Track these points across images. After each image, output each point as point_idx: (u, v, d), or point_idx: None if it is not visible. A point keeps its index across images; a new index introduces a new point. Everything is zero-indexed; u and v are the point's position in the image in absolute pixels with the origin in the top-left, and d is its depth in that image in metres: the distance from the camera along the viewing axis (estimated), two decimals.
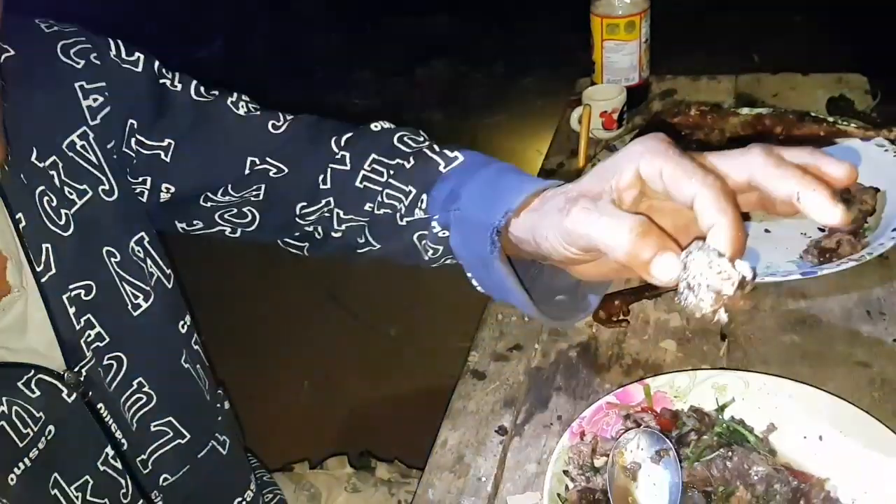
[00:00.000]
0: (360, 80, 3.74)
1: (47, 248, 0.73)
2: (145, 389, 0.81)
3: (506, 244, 0.65)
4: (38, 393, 0.71)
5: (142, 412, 0.82)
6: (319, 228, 0.85)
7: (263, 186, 0.83)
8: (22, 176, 0.72)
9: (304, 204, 0.83)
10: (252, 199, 0.83)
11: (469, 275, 0.72)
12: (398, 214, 0.79)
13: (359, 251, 0.85)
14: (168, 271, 0.84)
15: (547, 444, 0.82)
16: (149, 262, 0.82)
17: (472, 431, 0.86)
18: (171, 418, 0.84)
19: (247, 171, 0.81)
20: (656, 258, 0.48)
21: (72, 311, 0.75)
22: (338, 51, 3.94)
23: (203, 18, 4.03)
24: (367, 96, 3.65)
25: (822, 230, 1.05)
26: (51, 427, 0.72)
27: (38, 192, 0.73)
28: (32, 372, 0.71)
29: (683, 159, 0.51)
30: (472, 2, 4.23)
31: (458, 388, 0.92)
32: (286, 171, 0.83)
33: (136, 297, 0.80)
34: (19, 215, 0.72)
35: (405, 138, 0.82)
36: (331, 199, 0.83)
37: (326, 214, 0.84)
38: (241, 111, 0.83)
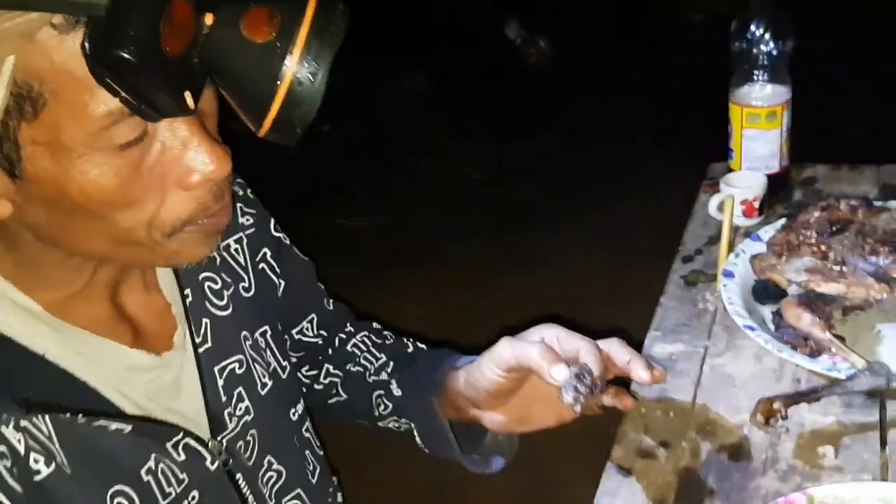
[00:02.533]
0: (470, 150, 3.79)
1: (207, 323, 0.82)
2: (275, 466, 0.87)
3: (445, 404, 0.93)
4: (183, 456, 0.75)
5: (276, 487, 0.87)
6: (308, 383, 1.05)
7: (304, 352, 1.03)
8: None
9: (309, 367, 1.05)
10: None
11: (413, 428, 0.98)
12: (367, 373, 1.02)
13: (329, 402, 1.05)
14: (284, 363, 0.93)
15: None
16: (268, 353, 0.90)
17: None
18: (299, 490, 0.90)
19: (304, 328, 1.02)
20: (554, 366, 0.79)
21: (220, 383, 0.82)
22: (447, 122, 4.02)
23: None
24: (477, 167, 3.69)
25: None
26: (194, 493, 0.76)
27: (202, 275, 0.83)
28: (182, 435, 0.75)
29: (573, 332, 0.86)
30: (577, 72, 4.27)
31: (603, 483, 0.90)
32: (320, 340, 1.04)
33: (264, 377, 0.88)
34: (187, 291, 0.82)
35: (390, 334, 1.09)
36: (328, 358, 1.05)
37: (316, 371, 1.05)
38: (319, 284, 1.05)
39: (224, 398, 0.82)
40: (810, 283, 1.02)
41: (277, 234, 0.97)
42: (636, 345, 0.94)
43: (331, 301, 1.06)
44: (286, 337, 1.00)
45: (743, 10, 1.28)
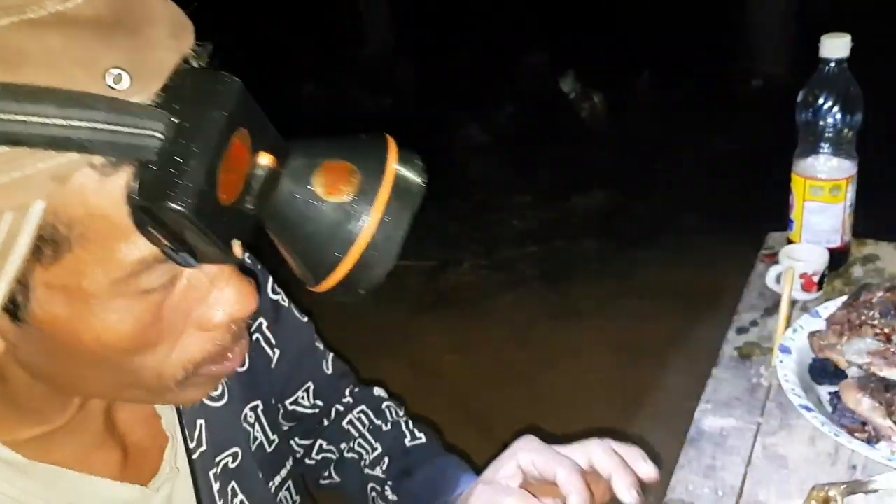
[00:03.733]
0: (517, 203, 3.79)
1: (201, 424, 0.77)
2: None
3: None
4: None
5: None
6: (301, 453, 1.00)
7: (298, 422, 0.98)
8: None
9: (301, 436, 0.99)
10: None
11: None
12: (363, 462, 0.96)
13: (321, 482, 1.00)
14: (273, 437, 0.88)
15: None
16: (256, 427, 0.85)
17: None
18: None
19: (299, 397, 0.96)
20: None
21: (216, 486, 0.77)
22: (499, 174, 4.03)
23: None
24: (524, 220, 3.68)
25: None
26: None
27: None
28: None
29: (548, 451, 0.76)
30: (642, 135, 4.26)
31: None
32: (316, 410, 0.98)
33: (250, 459, 0.83)
34: None
35: (391, 407, 1.00)
36: (322, 431, 0.99)
37: (308, 442, 0.99)
38: (319, 343, 0.98)
39: (221, 502, 0.78)
40: (872, 367, 0.98)
41: (275, 297, 0.91)
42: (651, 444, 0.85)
43: (330, 362, 0.99)
44: (279, 406, 0.94)
45: (806, 77, 1.26)
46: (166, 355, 0.58)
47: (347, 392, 1.01)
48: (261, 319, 0.88)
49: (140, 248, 0.51)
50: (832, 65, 1.22)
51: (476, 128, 4.35)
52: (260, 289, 0.82)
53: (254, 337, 0.87)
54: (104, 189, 0.49)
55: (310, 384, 0.96)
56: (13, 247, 0.48)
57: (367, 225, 0.53)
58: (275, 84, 4.44)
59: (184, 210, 0.47)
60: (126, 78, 0.47)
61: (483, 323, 3.02)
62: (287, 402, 0.95)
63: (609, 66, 4.74)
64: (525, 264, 3.39)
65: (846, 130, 1.24)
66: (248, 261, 0.87)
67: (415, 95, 4.59)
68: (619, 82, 4.64)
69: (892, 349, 1.00)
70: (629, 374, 2.63)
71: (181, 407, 0.76)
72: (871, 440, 0.94)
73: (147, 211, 0.48)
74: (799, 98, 1.26)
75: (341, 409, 1.00)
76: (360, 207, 0.53)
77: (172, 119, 0.48)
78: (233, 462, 0.79)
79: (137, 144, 0.47)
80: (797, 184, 1.29)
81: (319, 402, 0.98)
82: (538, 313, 3.06)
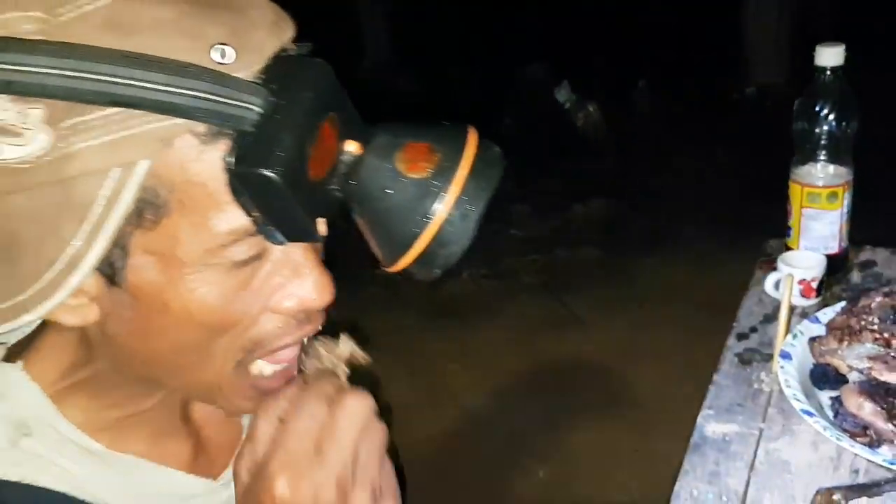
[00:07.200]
0: (518, 212, 3.80)
1: None
2: None
3: None
4: None
5: None
6: None
7: None
8: None
9: None
10: None
11: None
12: None
13: None
14: None
15: None
16: None
17: None
18: None
19: None
20: None
21: None
22: (498, 184, 4.04)
23: None
24: (524, 229, 3.70)
25: None
26: None
27: None
28: None
29: None
30: (639, 145, 4.28)
31: None
32: None
33: None
34: None
35: None
36: None
37: None
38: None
39: None
40: (872, 372, 0.99)
41: None
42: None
43: None
44: None
45: (799, 85, 1.28)
46: (239, 335, 0.60)
47: None
48: None
49: (232, 218, 0.54)
50: (827, 73, 1.24)
51: None
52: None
53: None
54: (203, 157, 0.53)
55: None
56: (117, 202, 0.52)
57: (445, 201, 0.55)
58: None
59: (276, 178, 0.51)
60: (231, 53, 0.52)
61: (485, 331, 3.03)
62: None
63: (605, 76, 4.76)
64: (526, 273, 3.40)
65: (842, 138, 1.26)
66: None
67: (414, 108, 4.61)
68: (615, 92, 4.66)
69: (893, 354, 1.01)
70: (631, 380, 2.65)
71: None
72: (873, 444, 0.95)
73: (242, 179, 0.52)
74: (795, 107, 1.27)
75: None
76: (438, 184, 0.55)
77: (270, 98, 0.52)
78: None
79: (237, 115, 0.51)
80: (794, 191, 1.30)
81: None
82: (539, 321, 3.08)
